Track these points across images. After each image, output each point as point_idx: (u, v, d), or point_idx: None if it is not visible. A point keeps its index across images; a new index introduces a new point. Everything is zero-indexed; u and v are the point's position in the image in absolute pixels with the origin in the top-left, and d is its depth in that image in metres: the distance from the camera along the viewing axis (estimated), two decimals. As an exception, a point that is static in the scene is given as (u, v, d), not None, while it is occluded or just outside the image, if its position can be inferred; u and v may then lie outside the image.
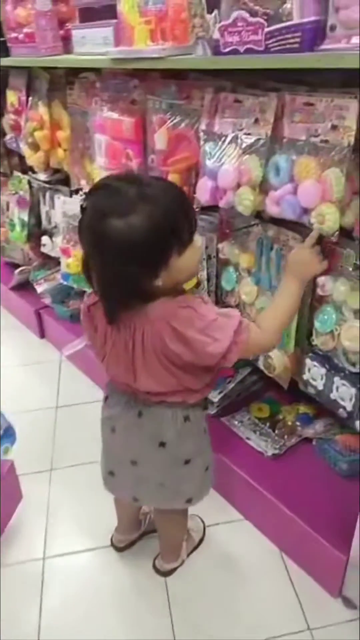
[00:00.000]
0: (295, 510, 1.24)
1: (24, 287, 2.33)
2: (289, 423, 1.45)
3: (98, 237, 0.81)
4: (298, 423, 1.44)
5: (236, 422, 1.47)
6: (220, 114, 1.10)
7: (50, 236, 2.05)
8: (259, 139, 1.02)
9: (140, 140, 1.36)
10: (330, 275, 1.10)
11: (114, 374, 1.01)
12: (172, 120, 1.22)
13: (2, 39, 1.63)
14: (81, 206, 0.84)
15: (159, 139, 1.24)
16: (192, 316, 0.86)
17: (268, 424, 1.46)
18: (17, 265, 2.38)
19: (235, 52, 0.91)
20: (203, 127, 1.14)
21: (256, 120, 1.02)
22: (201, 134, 1.14)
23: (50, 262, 2.18)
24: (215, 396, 1.51)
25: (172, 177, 1.22)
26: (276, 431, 1.43)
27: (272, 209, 1.03)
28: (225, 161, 1.07)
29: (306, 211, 0.96)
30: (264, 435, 1.43)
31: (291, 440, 1.40)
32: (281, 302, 1.01)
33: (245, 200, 1.05)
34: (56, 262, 2.03)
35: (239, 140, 1.05)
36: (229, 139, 1.08)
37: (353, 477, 1.28)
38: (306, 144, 0.96)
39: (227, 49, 0.93)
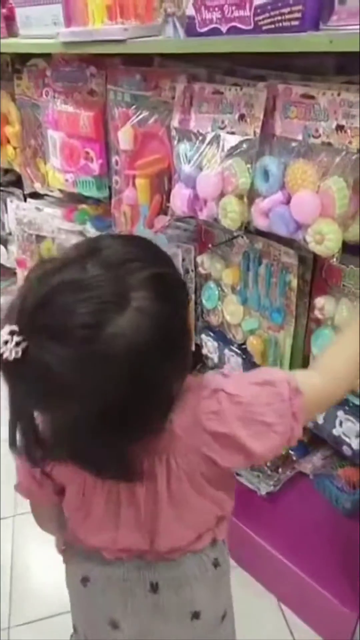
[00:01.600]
0: (294, 559, 1.09)
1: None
2: (283, 453, 1.30)
3: (97, 353, 0.52)
4: (292, 452, 1.30)
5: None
6: (196, 107, 0.92)
7: (5, 244, 1.83)
8: (245, 139, 0.84)
9: (102, 137, 1.17)
10: (329, 295, 0.95)
11: (101, 542, 0.69)
12: (138, 115, 1.03)
13: None
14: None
15: (123, 138, 1.04)
16: (227, 406, 0.62)
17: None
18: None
19: (215, 31, 0.73)
20: (175, 123, 0.95)
21: (242, 117, 0.84)
22: (173, 131, 0.96)
23: (7, 273, 1.97)
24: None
25: (140, 183, 1.04)
26: (268, 463, 1.28)
27: (260, 221, 0.86)
28: (205, 165, 0.89)
29: (300, 226, 0.80)
30: (255, 469, 1.27)
31: (286, 472, 1.26)
32: (350, 332, 0.73)
33: (231, 213, 0.87)
34: (13, 272, 1.83)
35: (220, 141, 0.87)
36: (208, 138, 0.89)
37: (356, 516, 1.15)
38: (302, 145, 0.79)
39: (205, 28, 0.74)
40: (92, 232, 1.37)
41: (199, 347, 1.32)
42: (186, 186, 0.93)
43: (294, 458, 1.28)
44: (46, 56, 1.29)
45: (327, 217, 0.76)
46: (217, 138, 0.88)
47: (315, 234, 0.77)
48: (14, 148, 1.53)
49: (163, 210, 1.05)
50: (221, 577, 0.76)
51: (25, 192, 1.60)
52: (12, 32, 1.27)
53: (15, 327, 0.52)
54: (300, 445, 1.30)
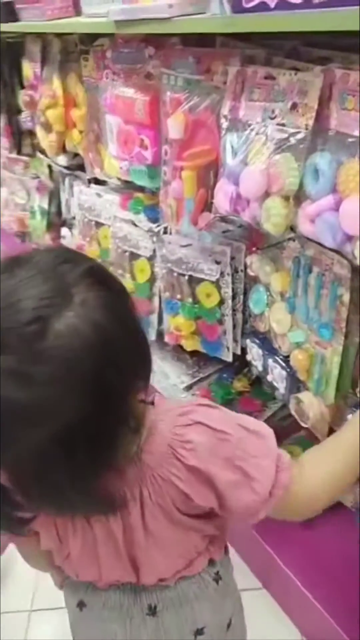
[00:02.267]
0: (321, 596, 0.99)
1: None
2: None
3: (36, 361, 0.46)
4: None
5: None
6: (247, 94, 0.82)
7: (70, 227, 1.84)
8: (296, 132, 0.74)
9: (156, 124, 1.10)
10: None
11: (88, 577, 0.67)
12: (189, 101, 0.94)
13: (8, -1, 1.39)
14: None
15: (174, 125, 0.97)
16: (208, 440, 0.56)
17: (299, 476, 1.20)
18: (43, 253, 2.22)
19: (262, 6, 0.63)
20: (225, 111, 0.86)
21: (294, 106, 0.74)
22: (223, 120, 0.87)
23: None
24: (237, 435, 1.27)
25: (187, 175, 0.96)
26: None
27: (305, 227, 0.76)
28: (251, 161, 0.80)
29: (350, 239, 0.68)
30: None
31: (326, 499, 1.14)
32: (343, 438, 0.66)
33: (275, 217, 0.77)
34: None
35: (269, 132, 0.77)
36: (256, 129, 0.80)
37: None
38: (361, 141, 0.67)
39: (252, 3, 0.64)
40: (144, 222, 1.32)
41: (244, 351, 1.23)
42: (230, 182, 0.84)
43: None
44: (111, 36, 1.24)
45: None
46: (265, 129, 0.78)
47: (366, 249, 0.66)
48: (80, 132, 1.50)
49: (208, 206, 0.96)
50: (224, 589, 0.71)
51: (88, 177, 1.58)
52: (78, 10, 1.24)
53: None
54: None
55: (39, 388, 0.45)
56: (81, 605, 0.71)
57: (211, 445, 0.56)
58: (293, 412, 1.07)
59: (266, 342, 1.13)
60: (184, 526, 0.61)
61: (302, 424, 1.06)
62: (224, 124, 0.86)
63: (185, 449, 0.56)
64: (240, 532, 1.14)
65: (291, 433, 1.31)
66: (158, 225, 1.29)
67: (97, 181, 1.59)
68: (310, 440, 1.28)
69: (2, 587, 1.25)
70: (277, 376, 1.11)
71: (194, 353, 1.41)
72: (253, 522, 0.59)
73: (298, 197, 0.76)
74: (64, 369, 0.46)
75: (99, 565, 0.63)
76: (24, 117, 1.79)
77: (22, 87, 1.81)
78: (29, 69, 1.65)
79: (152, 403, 0.61)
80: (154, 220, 1.31)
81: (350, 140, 0.68)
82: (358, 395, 0.94)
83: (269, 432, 0.60)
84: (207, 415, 0.58)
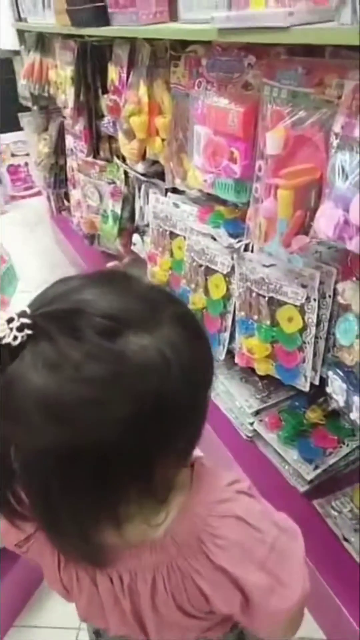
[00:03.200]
0: None
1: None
2: None
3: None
4: None
5: (332, 512, 1.14)
6: (366, 111, 0.74)
7: (142, 235, 1.81)
8: None
9: (250, 137, 1.04)
10: None
11: (101, 626, 0.62)
12: (293, 115, 0.87)
13: (100, 3, 1.37)
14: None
15: (273, 140, 0.90)
16: (243, 538, 0.50)
17: (376, 524, 1.11)
18: (111, 256, 2.21)
19: None
20: (337, 129, 0.78)
21: None
22: (333, 138, 0.79)
23: (142, 262, 1.96)
24: (308, 472, 1.19)
25: (283, 194, 0.89)
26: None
27: None
28: (365, 185, 0.72)
29: None
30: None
31: None
32: None
33: (388, 249, 0.69)
34: (147, 262, 1.80)
35: (390, 156, 0.69)
36: (375, 151, 0.72)
37: None
38: None
39: (393, 12, 0.57)
40: (224, 237, 1.26)
41: (323, 381, 1.15)
42: (337, 206, 0.77)
43: None
44: (206, 43, 1.19)
45: None
46: (386, 152, 0.70)
47: None
48: (162, 140, 1.46)
49: (304, 229, 0.89)
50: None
51: (166, 187, 1.54)
52: (173, 16, 1.19)
53: (27, 309, 0.43)
54: None
55: (75, 383, 0.40)
56: (97, 634, 0.69)
57: (246, 546, 0.50)
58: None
59: (352, 377, 1.04)
60: (197, 617, 0.54)
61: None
62: (335, 142, 0.79)
63: (217, 545, 0.50)
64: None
65: (366, 475, 1.21)
66: (239, 241, 1.23)
67: (175, 190, 1.54)
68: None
69: (51, 603, 1.23)
70: (362, 416, 1.02)
71: (264, 376, 1.34)
72: (268, 631, 0.54)
73: None
74: (113, 377, 0.41)
75: (106, 621, 0.58)
76: (106, 122, 1.77)
77: (105, 91, 1.80)
78: (114, 73, 1.63)
79: (192, 465, 0.55)
80: (235, 235, 1.24)
81: None
82: None
83: (299, 531, 0.55)
84: (248, 508, 0.52)
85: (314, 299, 1.08)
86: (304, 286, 1.08)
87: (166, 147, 1.44)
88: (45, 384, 0.40)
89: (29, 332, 0.41)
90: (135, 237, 1.82)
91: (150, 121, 1.48)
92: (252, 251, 1.21)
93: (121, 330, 0.42)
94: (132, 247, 1.86)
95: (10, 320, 0.42)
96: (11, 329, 0.41)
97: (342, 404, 1.08)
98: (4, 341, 0.41)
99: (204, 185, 1.20)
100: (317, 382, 1.18)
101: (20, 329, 0.41)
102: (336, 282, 1.04)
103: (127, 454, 0.43)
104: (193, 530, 0.50)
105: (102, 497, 0.45)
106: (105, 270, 0.50)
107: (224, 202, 1.32)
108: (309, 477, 1.18)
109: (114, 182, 1.93)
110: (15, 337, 0.41)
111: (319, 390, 1.19)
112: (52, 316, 0.42)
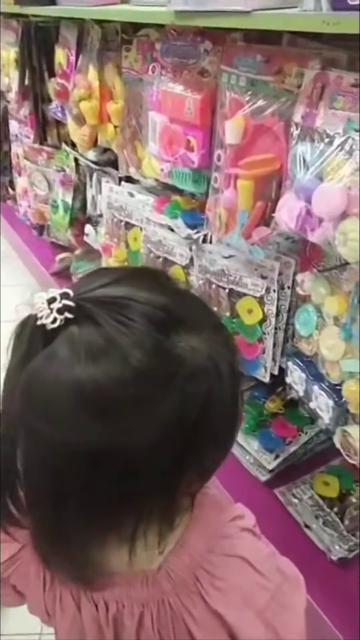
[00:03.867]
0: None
1: (66, 274, 2.07)
2: (365, 512, 1.12)
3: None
4: (378, 514, 1.11)
5: (293, 500, 1.15)
6: (328, 101, 0.73)
7: (95, 225, 1.76)
8: (386, 148, 0.65)
9: (207, 125, 1.02)
10: None
11: None
12: (252, 104, 0.86)
13: (46, -20, 1.30)
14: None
15: (231, 129, 0.88)
16: (246, 583, 0.46)
17: (336, 509, 1.13)
18: (62, 248, 2.13)
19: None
20: (298, 118, 0.77)
21: (385, 118, 0.65)
22: (293, 128, 0.78)
23: (94, 253, 1.90)
24: (269, 462, 1.20)
25: (243, 185, 0.88)
26: (345, 522, 1.10)
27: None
28: (327, 176, 0.71)
29: None
30: (328, 525, 1.10)
31: (366, 538, 1.07)
32: None
33: (352, 241, 0.69)
34: (100, 254, 1.75)
35: (353, 147, 0.69)
36: (337, 142, 0.71)
37: None
38: None
39: (356, 1, 0.56)
40: (182, 228, 1.24)
41: (282, 371, 1.15)
42: (298, 198, 0.76)
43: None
44: (160, 26, 1.15)
45: None
46: (348, 143, 0.69)
47: None
48: (115, 127, 1.42)
49: (265, 220, 0.88)
50: None
51: (120, 175, 1.50)
52: (125, -3, 1.15)
53: (69, 291, 0.39)
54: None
55: (124, 375, 0.37)
56: None
57: (247, 592, 0.46)
58: (338, 446, 0.99)
59: (311, 367, 1.05)
60: None
61: (349, 460, 0.98)
62: (295, 132, 0.78)
63: (214, 586, 0.46)
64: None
65: (327, 460, 1.24)
66: (197, 232, 1.21)
67: (129, 179, 1.50)
68: (347, 469, 1.21)
69: (12, 610, 1.19)
70: (322, 404, 1.03)
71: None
72: None
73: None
74: (166, 375, 0.38)
75: None
76: (54, 107, 1.70)
77: (52, 74, 1.72)
78: (62, 56, 1.56)
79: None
80: (193, 226, 1.22)
81: None
82: None
83: (302, 580, 0.50)
84: (253, 549, 0.48)
85: (274, 290, 1.08)
86: (263, 277, 1.08)
87: (119, 134, 1.39)
88: (90, 375, 0.36)
89: (70, 316, 0.38)
90: (88, 228, 1.76)
91: (102, 107, 1.42)
92: (210, 242, 1.20)
93: (174, 326, 0.40)
94: (85, 238, 1.80)
95: (52, 300, 0.38)
96: (51, 310, 0.37)
97: (302, 393, 1.09)
98: (39, 322, 0.37)
99: (160, 174, 1.17)
100: (276, 372, 1.18)
101: (61, 310, 0.37)
102: (295, 273, 1.05)
103: (160, 464, 0.39)
104: (190, 566, 0.46)
105: (120, 510, 0.41)
106: (147, 268, 0.47)
107: (180, 192, 1.29)
108: (270, 467, 1.19)
109: (63, 170, 1.86)
110: (54, 320, 0.37)
111: (278, 380, 1.20)
112: (99, 300, 0.39)
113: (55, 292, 0.39)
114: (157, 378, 0.38)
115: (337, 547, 1.05)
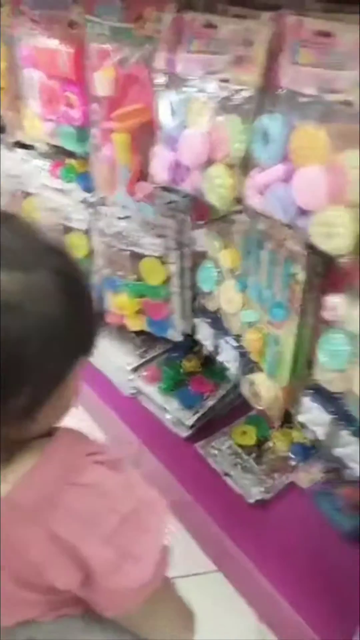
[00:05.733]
0: (277, 579, 0.97)
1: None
2: (280, 454, 1.16)
3: None
4: (291, 455, 1.15)
5: (213, 451, 1.18)
6: (185, 45, 0.71)
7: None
8: (241, 90, 0.64)
9: (83, 79, 0.97)
10: (346, 294, 0.76)
11: None
12: (118, 53, 0.82)
13: None
14: None
15: (101, 81, 0.85)
16: (91, 506, 0.47)
17: (254, 455, 1.17)
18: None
19: None
20: (160, 65, 0.75)
21: (238, 59, 0.64)
22: (156, 75, 0.75)
23: None
24: (189, 417, 1.21)
25: (118, 139, 0.85)
26: (263, 465, 1.14)
27: (254, 200, 0.67)
28: (190, 122, 0.70)
29: (304, 212, 0.61)
30: (247, 471, 1.14)
31: (281, 478, 1.12)
32: None
33: (219, 188, 0.68)
34: None
35: (210, 90, 0.67)
36: (196, 86, 0.69)
37: (356, 540, 1.01)
38: (316, 102, 0.58)
39: None
40: (78, 192, 1.19)
41: (193, 330, 1.16)
42: (167, 148, 0.74)
43: (293, 463, 1.14)
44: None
45: (338, 204, 0.57)
46: (206, 86, 0.67)
47: (321, 224, 0.59)
48: (1, 88, 1.32)
49: (146, 175, 0.86)
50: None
51: (11, 140, 1.41)
52: None
53: None
54: (300, 446, 1.15)
55: None
56: None
57: (92, 516, 0.47)
58: (245, 394, 1.02)
59: (217, 321, 1.06)
60: (34, 591, 0.50)
61: (256, 407, 1.00)
62: (159, 79, 0.75)
63: (57, 513, 0.46)
64: (192, 513, 1.09)
65: (244, 412, 1.27)
66: (93, 195, 1.17)
67: (24, 146, 1.42)
68: (264, 417, 1.25)
69: None
70: (228, 357, 1.05)
71: (140, 332, 1.33)
72: (118, 614, 0.52)
73: (245, 165, 0.68)
74: None
75: None
76: None
77: None
78: None
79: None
80: (89, 189, 1.18)
81: (303, 100, 0.60)
82: (313, 376, 0.89)
83: (163, 505, 0.52)
84: (101, 478, 0.49)
85: (174, 249, 1.07)
86: (160, 236, 1.06)
87: (4, 96, 1.30)
88: None
89: None
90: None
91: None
92: (107, 205, 1.16)
93: None
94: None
95: None
96: None
97: (211, 348, 1.10)
98: None
99: (45, 135, 1.11)
100: (189, 331, 1.19)
101: None
102: (192, 230, 1.04)
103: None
104: (34, 496, 0.46)
105: None
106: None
107: (74, 155, 1.24)
108: (189, 423, 1.20)
109: None
110: None
111: (193, 340, 1.20)
112: None
113: None
114: None
115: (254, 490, 1.09)
